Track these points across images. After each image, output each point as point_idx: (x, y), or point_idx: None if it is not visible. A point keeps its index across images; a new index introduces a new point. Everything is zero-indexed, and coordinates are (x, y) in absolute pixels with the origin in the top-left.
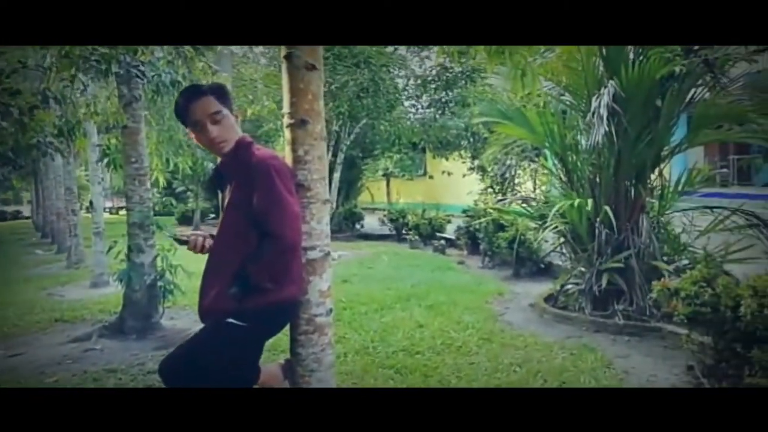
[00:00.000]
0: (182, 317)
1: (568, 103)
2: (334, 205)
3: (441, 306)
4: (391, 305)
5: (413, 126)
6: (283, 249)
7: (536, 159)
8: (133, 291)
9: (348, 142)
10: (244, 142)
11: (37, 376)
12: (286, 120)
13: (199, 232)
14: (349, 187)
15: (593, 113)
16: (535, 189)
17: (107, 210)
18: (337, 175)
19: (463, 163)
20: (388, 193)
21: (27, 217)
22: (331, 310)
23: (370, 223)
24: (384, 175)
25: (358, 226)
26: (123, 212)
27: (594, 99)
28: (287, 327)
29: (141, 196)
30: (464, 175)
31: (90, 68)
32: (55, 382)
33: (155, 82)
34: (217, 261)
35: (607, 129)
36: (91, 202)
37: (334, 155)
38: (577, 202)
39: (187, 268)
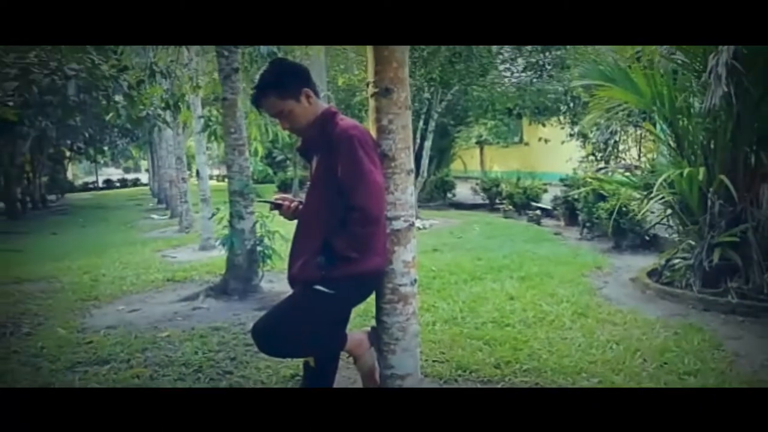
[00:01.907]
0: (280, 281)
1: (679, 62)
2: (425, 174)
3: (534, 278)
4: (482, 276)
5: (508, 91)
6: (366, 220)
7: (642, 124)
8: (235, 255)
9: (439, 109)
10: (328, 114)
11: (152, 331)
12: (370, 89)
13: (290, 196)
14: (440, 155)
15: (710, 72)
16: (640, 157)
17: (213, 177)
18: (428, 143)
19: (562, 129)
20: (482, 161)
21: (145, 184)
22: (415, 281)
23: (462, 191)
24: (477, 143)
25: (449, 195)
26: (225, 180)
27: (711, 57)
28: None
29: (240, 165)
30: (563, 142)
31: None
32: (167, 336)
33: (252, 53)
34: (305, 230)
35: (725, 89)
36: (197, 171)
37: (425, 123)
38: (687, 170)
39: (284, 235)
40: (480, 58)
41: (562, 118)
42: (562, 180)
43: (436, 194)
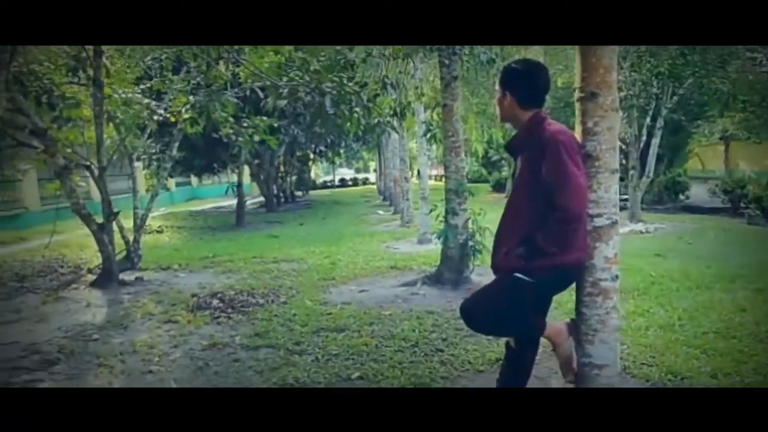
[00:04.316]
0: (489, 275)
1: None
2: (652, 174)
3: None
4: (709, 285)
5: (756, 81)
6: (567, 220)
7: None
8: (449, 248)
9: (669, 105)
10: (537, 118)
11: (377, 309)
12: (576, 94)
13: None
14: (672, 153)
15: None
16: None
17: (431, 177)
18: (655, 141)
19: None
20: (726, 159)
21: (373, 183)
22: (617, 277)
23: (698, 193)
24: (721, 139)
25: (681, 197)
26: (443, 179)
27: None
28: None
29: (456, 165)
30: None
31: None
32: (390, 315)
33: (472, 62)
34: (508, 223)
35: None
36: (418, 171)
37: (653, 119)
38: None
39: (494, 231)
40: (719, 47)
41: None
42: None
43: (666, 196)
